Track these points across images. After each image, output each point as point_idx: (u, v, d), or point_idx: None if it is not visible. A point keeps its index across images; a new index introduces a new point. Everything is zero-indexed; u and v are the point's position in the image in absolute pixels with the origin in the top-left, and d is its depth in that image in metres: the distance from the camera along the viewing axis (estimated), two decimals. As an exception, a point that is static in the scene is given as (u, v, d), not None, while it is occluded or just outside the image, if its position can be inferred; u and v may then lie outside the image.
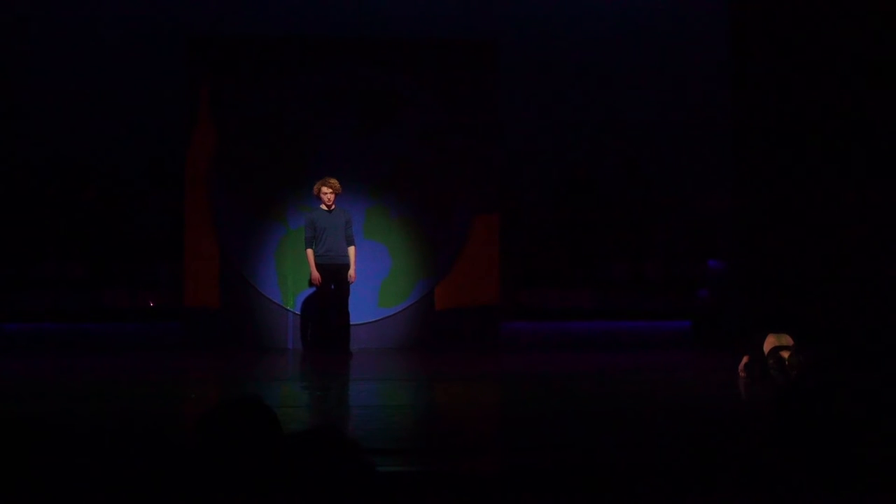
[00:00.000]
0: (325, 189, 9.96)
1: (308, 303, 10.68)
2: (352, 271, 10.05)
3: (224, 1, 11.43)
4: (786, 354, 7.31)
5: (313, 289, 10.31)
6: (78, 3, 11.66)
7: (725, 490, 3.97)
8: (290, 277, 10.73)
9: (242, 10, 11.40)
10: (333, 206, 10.03)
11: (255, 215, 10.81)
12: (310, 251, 10.00)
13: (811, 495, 3.78)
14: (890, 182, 10.10)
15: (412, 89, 10.98)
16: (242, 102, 10.82)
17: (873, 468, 3.93)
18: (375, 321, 10.80)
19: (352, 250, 10.08)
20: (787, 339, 7.45)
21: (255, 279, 10.76)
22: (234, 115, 10.83)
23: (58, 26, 11.69)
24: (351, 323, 10.19)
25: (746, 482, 3.98)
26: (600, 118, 11.95)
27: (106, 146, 11.65)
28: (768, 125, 10.81)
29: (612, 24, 11.88)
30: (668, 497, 3.94)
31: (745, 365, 7.69)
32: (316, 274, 9.97)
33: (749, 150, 11.02)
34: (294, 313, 10.75)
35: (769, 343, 7.47)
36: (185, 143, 10.82)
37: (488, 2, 11.77)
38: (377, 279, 10.82)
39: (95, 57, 11.62)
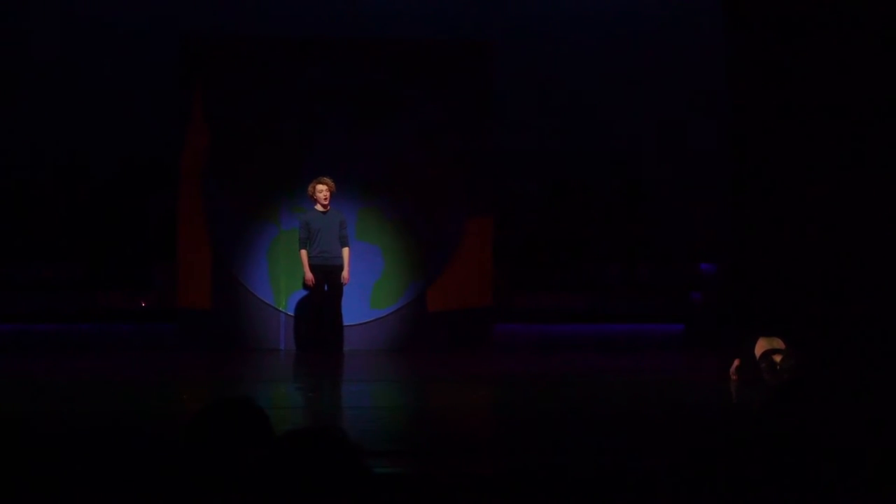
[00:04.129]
0: (320, 187, 9.98)
1: (300, 303, 10.67)
2: (345, 273, 10.07)
3: (218, 0, 11.41)
4: (777, 358, 7.34)
5: (306, 289, 10.31)
6: (74, 3, 11.63)
7: (716, 493, 3.98)
8: (282, 278, 10.72)
9: (236, 8, 11.38)
10: (329, 207, 10.05)
11: (248, 216, 10.78)
12: (304, 252, 10.02)
13: (801, 498, 3.79)
14: (885, 185, 10.12)
15: (406, 90, 10.95)
16: (236, 102, 10.79)
17: (865, 470, 3.95)
18: (367, 322, 10.78)
19: (346, 252, 10.09)
20: (778, 343, 7.49)
21: (248, 280, 10.74)
22: (228, 115, 10.79)
23: (51, 23, 11.66)
24: (343, 324, 10.20)
25: (737, 485, 3.99)
26: (594, 120, 11.96)
27: (99, 146, 11.64)
28: (763, 127, 10.82)
29: (608, 25, 11.88)
30: (659, 499, 3.95)
31: (737, 368, 7.72)
32: (310, 275, 9.98)
33: (743, 152, 11.03)
34: (286, 314, 10.74)
35: (761, 347, 7.50)
36: (178, 142, 10.79)
37: (483, 2, 11.77)
38: (369, 280, 10.80)
39: (88, 55, 11.60)
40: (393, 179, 10.89)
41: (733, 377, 7.72)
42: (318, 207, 10.05)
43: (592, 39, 11.84)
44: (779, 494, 3.77)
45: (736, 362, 7.75)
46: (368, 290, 10.79)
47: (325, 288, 10.07)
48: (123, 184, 11.81)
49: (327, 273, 10.02)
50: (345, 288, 10.14)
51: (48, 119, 11.61)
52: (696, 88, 11.58)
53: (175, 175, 10.86)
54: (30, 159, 11.70)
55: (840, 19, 10.13)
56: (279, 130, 10.80)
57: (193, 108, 10.79)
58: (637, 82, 11.85)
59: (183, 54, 10.84)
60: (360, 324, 10.71)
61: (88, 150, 11.66)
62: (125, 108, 11.55)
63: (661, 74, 11.77)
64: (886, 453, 3.89)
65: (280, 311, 10.74)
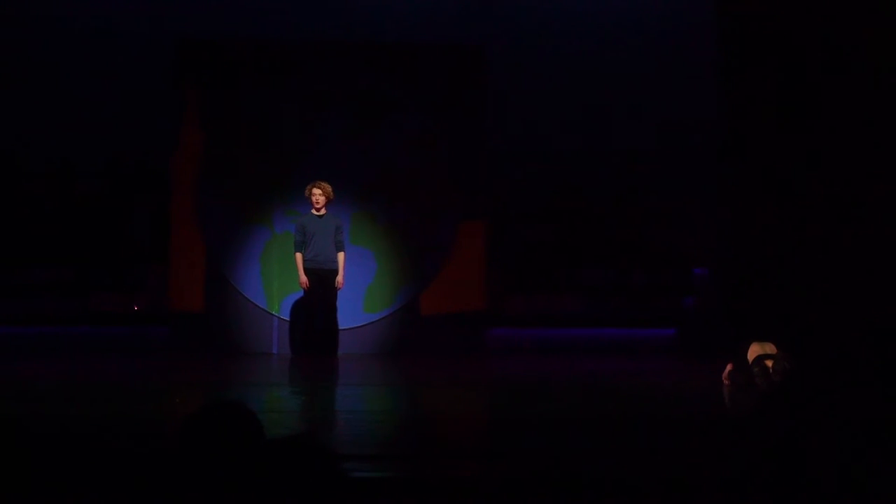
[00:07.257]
0: (315, 190, 9.97)
1: (294, 307, 10.66)
2: (340, 277, 10.05)
3: (212, 4, 11.40)
4: (770, 363, 7.35)
5: (299, 293, 10.30)
6: (67, 4, 11.61)
7: (708, 497, 3.98)
8: (275, 282, 10.72)
9: (230, 13, 11.38)
10: (323, 211, 10.03)
11: (241, 219, 10.79)
12: (299, 255, 10.00)
13: (793, 502, 3.80)
14: (879, 189, 10.14)
15: (400, 94, 10.98)
16: (230, 106, 10.81)
17: (854, 474, 3.96)
18: (360, 326, 10.78)
19: (341, 256, 10.07)
20: (770, 348, 7.49)
21: (241, 283, 10.74)
22: (222, 119, 10.81)
23: (44, 26, 11.64)
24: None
25: (729, 489, 4.00)
26: (587, 125, 11.96)
27: (91, 148, 11.61)
28: (756, 133, 10.85)
29: (601, 30, 11.90)
30: (651, 502, 3.95)
31: (729, 373, 7.72)
32: (304, 278, 9.97)
33: (736, 157, 11.06)
34: (279, 318, 10.73)
35: (753, 352, 7.51)
36: (172, 145, 10.79)
37: (477, 7, 11.78)
38: (362, 284, 10.80)
39: (82, 58, 11.58)
40: (386, 183, 10.91)
41: (726, 382, 7.72)
42: (314, 211, 10.05)
43: (588, 42, 11.86)
44: (770, 498, 3.78)
45: (728, 367, 7.75)
46: (361, 294, 10.79)
47: (320, 291, 10.05)
48: (116, 186, 11.79)
49: (321, 277, 10.00)
50: (338, 292, 10.14)
51: (39, 121, 11.58)
52: (693, 91, 11.58)
53: (168, 178, 10.86)
54: (21, 161, 11.67)
55: (839, 19, 10.15)
56: (273, 134, 10.81)
57: (187, 110, 10.80)
58: (633, 85, 11.85)
59: (177, 57, 10.85)
60: (353, 328, 10.70)
61: (80, 152, 11.63)
62: (117, 111, 11.52)
63: (657, 77, 11.78)
64: (877, 457, 3.89)
65: (273, 314, 10.74)
